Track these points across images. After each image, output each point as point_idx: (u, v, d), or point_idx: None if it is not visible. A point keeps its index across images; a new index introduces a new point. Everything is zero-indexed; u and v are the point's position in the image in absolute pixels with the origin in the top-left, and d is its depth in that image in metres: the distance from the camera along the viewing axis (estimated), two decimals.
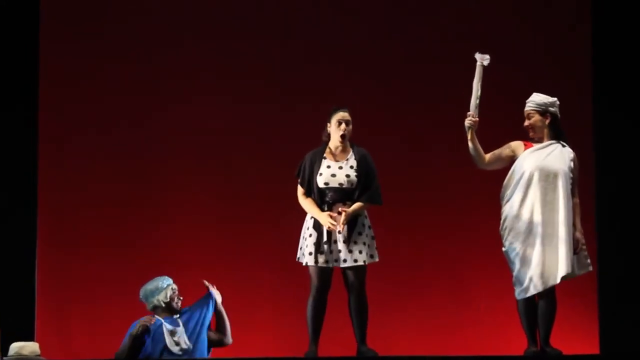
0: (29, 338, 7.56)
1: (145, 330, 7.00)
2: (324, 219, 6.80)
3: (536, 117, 6.85)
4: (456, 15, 8.81)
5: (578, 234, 6.78)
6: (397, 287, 8.54)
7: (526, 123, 6.86)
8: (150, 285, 7.25)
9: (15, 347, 6.71)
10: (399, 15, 8.83)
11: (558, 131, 6.89)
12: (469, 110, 6.77)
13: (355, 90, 8.65)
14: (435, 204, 8.68)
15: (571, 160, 6.84)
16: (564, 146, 6.85)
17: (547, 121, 6.87)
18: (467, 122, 6.75)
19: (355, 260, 6.80)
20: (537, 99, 6.89)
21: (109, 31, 8.71)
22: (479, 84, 6.77)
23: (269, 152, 8.63)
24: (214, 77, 8.75)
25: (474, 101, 6.76)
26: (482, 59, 6.81)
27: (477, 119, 6.75)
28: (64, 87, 8.67)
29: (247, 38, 8.77)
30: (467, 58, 7.03)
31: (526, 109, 6.88)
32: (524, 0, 8.88)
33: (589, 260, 6.83)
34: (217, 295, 7.27)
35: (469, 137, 6.76)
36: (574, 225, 6.76)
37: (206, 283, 7.31)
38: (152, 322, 7.02)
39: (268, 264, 8.53)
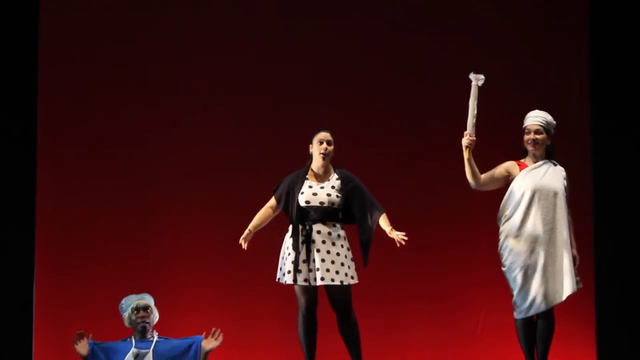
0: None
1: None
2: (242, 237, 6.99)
3: (544, 135, 6.83)
4: (453, 31, 8.82)
5: (574, 251, 6.80)
6: (394, 305, 8.54)
7: (533, 137, 6.81)
8: (121, 304, 7.14)
9: None
10: (396, 32, 8.84)
11: (551, 151, 6.90)
12: (465, 130, 6.76)
13: (350, 105, 8.69)
14: (433, 222, 8.67)
15: (564, 178, 6.85)
16: (554, 165, 6.86)
17: (549, 141, 6.88)
18: (464, 141, 6.73)
19: (332, 280, 6.80)
20: (546, 116, 6.86)
21: (108, 47, 8.72)
22: (475, 103, 6.75)
23: (273, 170, 8.57)
24: (216, 94, 8.76)
25: (470, 120, 6.75)
26: (477, 79, 6.79)
27: (475, 138, 6.74)
28: (63, 104, 8.67)
29: (249, 54, 8.80)
30: (464, 74, 7.04)
31: (534, 122, 6.82)
32: (521, 17, 8.89)
33: (578, 277, 6.79)
34: (212, 343, 7.00)
35: (466, 156, 6.75)
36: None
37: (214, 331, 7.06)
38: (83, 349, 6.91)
39: (269, 282, 8.52)
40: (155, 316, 7.08)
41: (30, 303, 8.34)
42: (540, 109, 6.98)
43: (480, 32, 8.80)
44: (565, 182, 6.82)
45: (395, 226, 8.27)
